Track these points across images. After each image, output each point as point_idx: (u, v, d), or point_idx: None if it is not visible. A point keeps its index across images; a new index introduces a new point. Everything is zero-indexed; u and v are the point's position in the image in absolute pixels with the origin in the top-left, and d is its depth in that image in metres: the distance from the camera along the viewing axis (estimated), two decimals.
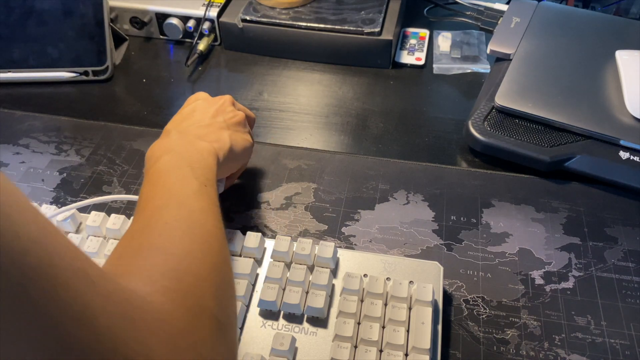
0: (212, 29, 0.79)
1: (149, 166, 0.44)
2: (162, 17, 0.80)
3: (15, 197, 0.22)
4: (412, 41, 0.81)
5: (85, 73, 0.74)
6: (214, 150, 0.46)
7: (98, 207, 0.57)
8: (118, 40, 0.80)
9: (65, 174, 0.62)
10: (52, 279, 0.21)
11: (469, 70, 0.76)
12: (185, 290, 0.31)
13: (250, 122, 0.56)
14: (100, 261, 0.50)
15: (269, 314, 0.47)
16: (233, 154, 0.49)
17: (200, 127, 0.49)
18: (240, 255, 0.50)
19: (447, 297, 0.50)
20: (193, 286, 0.31)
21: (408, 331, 0.45)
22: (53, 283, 0.21)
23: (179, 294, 0.30)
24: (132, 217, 0.53)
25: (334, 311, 0.47)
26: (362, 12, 0.77)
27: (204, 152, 0.45)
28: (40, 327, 0.20)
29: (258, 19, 0.76)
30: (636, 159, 0.58)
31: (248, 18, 0.77)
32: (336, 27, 0.75)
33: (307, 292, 0.47)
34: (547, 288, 0.51)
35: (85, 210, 0.56)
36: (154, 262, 0.32)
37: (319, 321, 0.46)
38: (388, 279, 0.48)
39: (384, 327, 0.45)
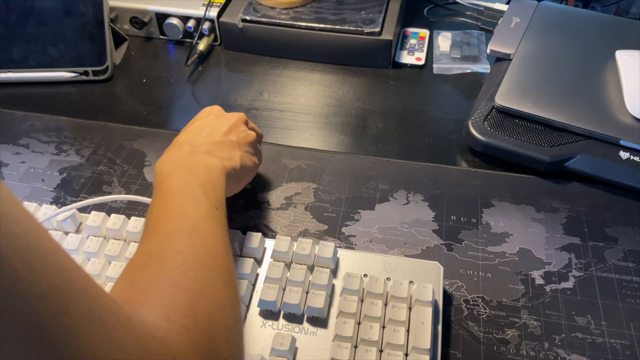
0: (212, 29, 0.79)
1: (160, 181, 0.44)
2: (162, 17, 0.80)
3: (38, 235, 0.22)
4: (412, 41, 0.81)
5: (85, 73, 0.74)
6: (224, 168, 0.46)
7: (98, 207, 0.57)
8: (118, 40, 0.80)
9: (65, 174, 0.62)
10: (66, 327, 0.21)
11: (469, 70, 0.76)
12: (200, 331, 0.31)
13: (258, 140, 0.56)
14: (100, 261, 0.50)
15: (269, 314, 0.47)
16: (240, 174, 0.50)
17: (212, 144, 0.48)
18: (240, 255, 0.50)
19: (447, 297, 0.50)
20: (207, 326, 0.31)
21: (408, 331, 0.45)
22: (66, 331, 0.21)
23: (194, 335, 0.30)
24: (131, 217, 0.53)
25: (334, 311, 0.47)
26: (362, 12, 0.77)
27: (216, 170, 0.45)
28: None
29: (258, 19, 0.76)
30: (636, 159, 0.58)
31: (248, 18, 0.77)
32: (336, 27, 0.75)
33: (307, 292, 0.47)
34: (547, 288, 0.51)
35: (85, 210, 0.56)
36: (170, 298, 0.32)
37: (319, 321, 0.46)
38: (388, 279, 0.48)
39: (384, 327, 0.45)
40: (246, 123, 0.54)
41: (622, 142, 0.58)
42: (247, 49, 0.79)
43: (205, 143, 0.48)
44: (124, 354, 0.24)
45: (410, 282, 0.47)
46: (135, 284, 0.34)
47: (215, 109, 0.54)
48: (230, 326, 0.34)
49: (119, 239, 0.52)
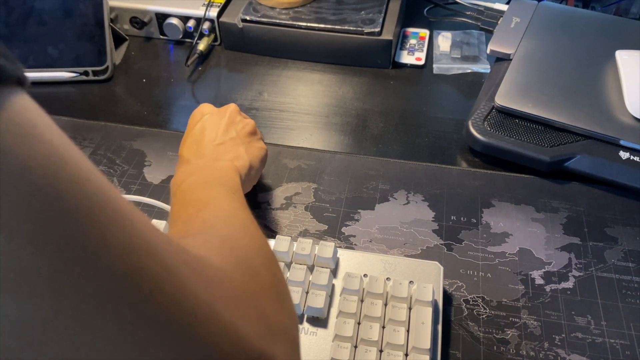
0: (212, 29, 0.79)
1: (175, 191, 0.44)
2: (162, 17, 0.80)
3: (127, 208, 0.21)
4: (412, 41, 0.81)
5: (85, 73, 0.74)
6: (235, 169, 0.46)
7: None
8: (118, 40, 0.80)
9: None
10: (114, 211, 0.20)
11: (469, 70, 0.76)
12: (250, 262, 0.31)
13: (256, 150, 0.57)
14: None
15: None
16: (253, 168, 0.50)
17: (215, 147, 0.49)
18: None
19: (447, 297, 0.50)
20: (252, 260, 0.32)
21: (408, 331, 0.45)
22: (114, 216, 0.20)
23: (244, 263, 0.30)
24: None
25: (334, 311, 0.47)
26: (362, 12, 0.77)
27: (228, 171, 0.46)
28: (107, 253, 0.19)
29: (258, 19, 0.76)
30: (636, 159, 0.58)
31: (248, 18, 0.77)
32: (336, 27, 0.75)
33: (307, 292, 0.47)
34: (547, 288, 0.51)
35: None
36: (217, 241, 0.32)
37: (319, 321, 0.46)
38: (388, 279, 0.48)
39: (384, 327, 0.45)
40: (239, 113, 0.54)
41: (622, 142, 0.58)
42: (247, 49, 0.79)
43: (209, 151, 0.48)
44: (175, 254, 0.23)
45: (410, 282, 0.47)
46: (182, 238, 0.35)
47: (207, 108, 0.53)
48: (270, 261, 0.34)
49: None
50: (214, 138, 0.50)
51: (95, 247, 0.19)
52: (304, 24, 0.75)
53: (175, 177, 0.46)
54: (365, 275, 0.49)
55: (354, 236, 0.55)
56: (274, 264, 0.34)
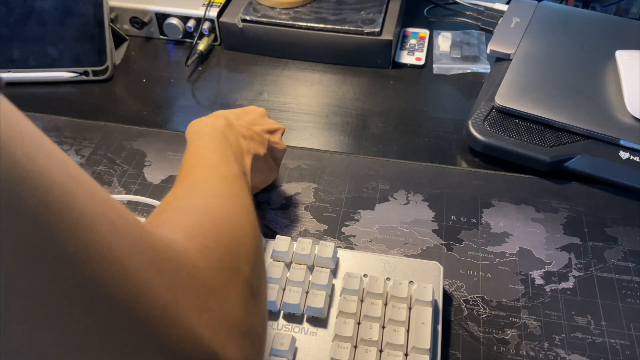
0: (212, 29, 0.79)
1: (194, 139, 0.44)
2: (162, 17, 0.80)
3: (42, 141, 0.23)
4: (412, 41, 0.81)
5: (85, 73, 0.74)
6: (250, 155, 0.47)
7: None
8: (118, 40, 0.80)
9: None
10: (75, 221, 0.21)
11: (469, 70, 0.76)
12: (223, 251, 0.30)
13: (281, 155, 0.56)
14: None
15: (269, 314, 0.47)
16: (256, 173, 0.49)
17: (248, 130, 0.49)
18: None
19: (447, 297, 0.50)
20: (231, 249, 0.31)
21: (408, 331, 0.45)
22: (76, 225, 0.21)
23: (215, 254, 0.30)
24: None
25: (334, 311, 0.47)
26: (362, 12, 0.77)
27: (244, 151, 0.46)
28: (60, 262, 0.20)
29: (258, 19, 0.76)
30: (636, 159, 0.58)
31: (248, 18, 0.77)
32: (336, 27, 0.75)
33: (307, 292, 0.47)
34: (547, 288, 0.51)
35: None
36: (195, 220, 0.32)
37: (319, 321, 0.46)
38: (388, 279, 0.48)
39: (384, 327, 0.45)
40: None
41: (622, 142, 0.58)
42: (247, 49, 0.79)
43: (242, 126, 0.48)
44: (142, 253, 0.23)
45: (410, 282, 0.47)
46: (164, 212, 0.34)
47: (262, 110, 0.55)
48: (256, 254, 0.34)
49: None
50: (253, 125, 0.51)
51: (49, 256, 0.19)
52: (304, 24, 0.75)
53: (197, 123, 0.46)
54: (365, 275, 0.49)
55: (354, 236, 0.55)
56: (257, 257, 0.34)
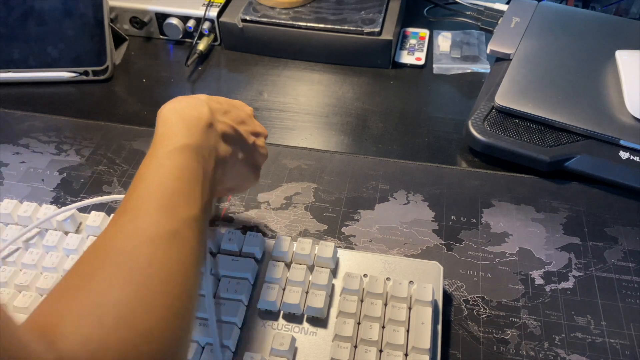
0: (212, 29, 0.79)
1: (160, 140, 0.37)
2: (162, 17, 0.80)
3: None
4: (412, 41, 0.81)
5: (85, 73, 0.74)
6: (227, 162, 0.41)
7: (98, 207, 0.57)
8: (118, 40, 0.80)
9: (65, 174, 0.62)
10: None
11: (469, 70, 0.76)
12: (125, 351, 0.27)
13: (262, 160, 0.49)
14: None
15: (269, 314, 0.47)
16: (229, 178, 0.44)
17: (233, 129, 0.43)
18: (240, 255, 0.50)
19: (447, 297, 0.50)
20: (136, 354, 0.27)
21: (408, 331, 0.45)
22: None
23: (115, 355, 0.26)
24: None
25: (334, 311, 0.47)
26: (362, 12, 0.77)
27: (220, 157, 0.40)
28: None
29: (258, 19, 0.76)
30: (636, 159, 0.58)
31: (248, 18, 0.77)
32: (336, 27, 0.75)
33: (307, 292, 0.47)
34: (547, 288, 0.51)
35: (85, 210, 0.56)
36: (99, 317, 0.28)
37: (319, 321, 0.46)
38: (388, 279, 0.48)
39: (384, 327, 0.45)
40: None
41: (622, 142, 0.58)
42: (247, 49, 0.79)
43: (227, 124, 0.42)
44: None
45: (410, 282, 0.47)
46: (62, 296, 0.29)
47: (250, 109, 0.48)
48: (169, 351, 0.29)
49: None
50: (238, 122, 0.44)
51: None
52: (304, 24, 0.75)
53: (174, 109, 0.39)
54: (365, 275, 0.49)
55: (354, 236, 0.55)
56: (173, 347, 0.30)
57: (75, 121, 0.68)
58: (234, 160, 0.43)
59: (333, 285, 0.48)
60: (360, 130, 0.68)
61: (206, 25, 0.78)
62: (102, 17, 0.73)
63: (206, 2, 0.79)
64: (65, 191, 0.60)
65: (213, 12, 0.78)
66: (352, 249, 0.54)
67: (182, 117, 0.39)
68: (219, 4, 0.79)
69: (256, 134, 0.47)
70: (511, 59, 0.67)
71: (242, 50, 0.80)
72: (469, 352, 0.46)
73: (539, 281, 0.51)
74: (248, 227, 0.56)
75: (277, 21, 0.76)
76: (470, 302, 0.50)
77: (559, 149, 0.59)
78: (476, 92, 0.69)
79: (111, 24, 0.76)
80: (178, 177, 0.35)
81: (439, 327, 0.46)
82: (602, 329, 0.48)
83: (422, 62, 0.77)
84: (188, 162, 0.36)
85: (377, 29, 0.74)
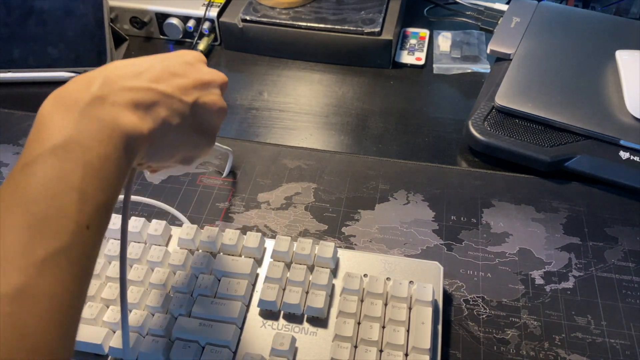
0: (212, 29, 0.79)
1: (31, 146, 0.29)
2: (162, 17, 0.80)
3: None
4: (412, 41, 0.81)
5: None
6: (138, 133, 0.31)
7: None
8: (118, 40, 0.80)
9: None
10: None
11: (469, 70, 0.76)
12: None
13: (215, 118, 0.39)
14: (99, 261, 0.50)
15: (269, 314, 0.47)
16: (172, 145, 0.36)
17: (148, 92, 0.33)
18: (240, 255, 0.50)
19: (447, 297, 0.50)
20: None
21: (408, 331, 0.45)
22: None
23: None
24: (131, 217, 0.53)
25: (334, 311, 0.47)
26: (362, 12, 0.77)
27: (124, 142, 0.31)
28: None
29: (258, 19, 0.76)
30: (636, 159, 0.58)
31: (248, 18, 0.77)
32: (336, 27, 0.75)
33: (307, 292, 0.47)
34: (547, 288, 0.51)
35: None
36: None
37: (319, 321, 0.46)
38: (388, 279, 0.48)
39: (384, 327, 0.45)
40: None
41: (622, 142, 0.58)
42: (247, 49, 0.79)
43: (135, 89, 0.32)
44: None
45: (410, 282, 0.47)
46: None
47: (193, 55, 0.39)
48: None
49: (118, 239, 0.52)
50: (167, 75, 0.35)
51: None
52: (304, 24, 0.75)
53: (55, 101, 0.30)
54: (365, 275, 0.49)
55: (354, 236, 0.55)
56: None
57: None
58: (166, 129, 0.34)
59: (333, 285, 0.48)
60: (360, 130, 0.68)
61: (206, 25, 0.78)
62: (102, 17, 0.73)
63: (206, 2, 0.79)
64: None
65: (213, 12, 0.78)
66: (352, 249, 0.54)
67: (59, 103, 0.30)
68: (219, 4, 0.79)
69: (202, 86, 0.37)
70: (511, 59, 0.67)
71: (242, 50, 0.80)
72: (469, 352, 0.46)
73: (539, 281, 0.51)
74: (248, 227, 0.56)
75: (277, 21, 0.76)
76: (471, 302, 0.50)
77: (559, 149, 0.59)
78: (476, 92, 0.69)
79: (111, 24, 0.76)
80: (37, 199, 0.27)
81: (439, 327, 0.46)
82: (602, 329, 0.48)
83: (422, 62, 0.77)
84: (58, 168, 0.28)
85: (377, 29, 0.74)
